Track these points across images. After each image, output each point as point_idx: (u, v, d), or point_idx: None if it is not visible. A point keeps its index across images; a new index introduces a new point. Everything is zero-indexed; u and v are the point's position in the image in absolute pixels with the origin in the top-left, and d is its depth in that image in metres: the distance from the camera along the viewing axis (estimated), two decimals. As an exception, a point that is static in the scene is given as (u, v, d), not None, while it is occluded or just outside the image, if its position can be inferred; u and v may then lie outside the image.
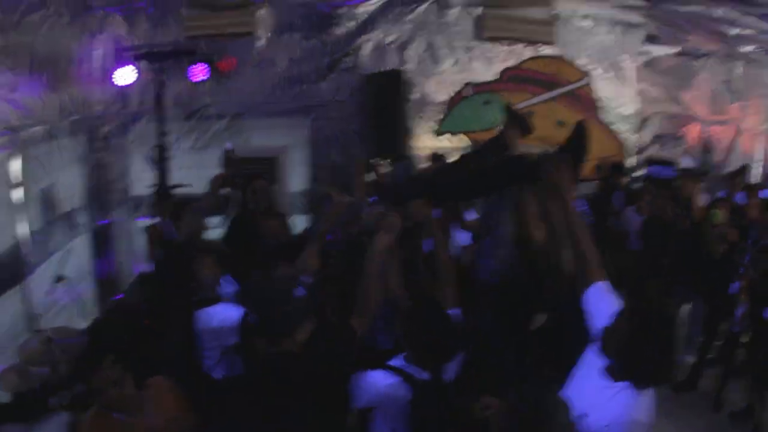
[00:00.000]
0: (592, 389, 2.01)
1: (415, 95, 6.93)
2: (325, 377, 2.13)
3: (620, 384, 1.94)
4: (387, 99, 6.43)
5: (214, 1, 6.88)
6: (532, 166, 2.54)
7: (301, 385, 2.07)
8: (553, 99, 7.20)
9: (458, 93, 7.02)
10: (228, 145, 4.32)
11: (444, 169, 4.07)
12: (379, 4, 6.94)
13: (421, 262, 3.24)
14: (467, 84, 7.02)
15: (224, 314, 2.89)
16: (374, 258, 2.43)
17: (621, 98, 7.40)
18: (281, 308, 2.16)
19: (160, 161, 6.55)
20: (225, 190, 4.19)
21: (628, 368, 1.93)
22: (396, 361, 2.35)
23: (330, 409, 2.16)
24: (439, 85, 7.02)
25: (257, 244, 3.95)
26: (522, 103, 7.10)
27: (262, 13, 6.93)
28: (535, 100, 7.14)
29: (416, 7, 6.98)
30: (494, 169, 2.90)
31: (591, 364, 2.05)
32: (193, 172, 6.82)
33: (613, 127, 7.41)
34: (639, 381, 1.93)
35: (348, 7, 6.93)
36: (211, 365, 2.96)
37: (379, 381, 2.27)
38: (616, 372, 1.96)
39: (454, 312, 2.52)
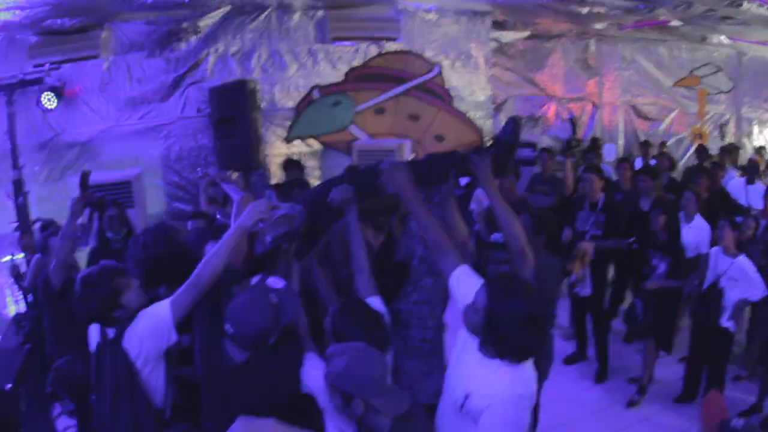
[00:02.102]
0: (471, 368, 2.00)
1: (263, 103, 6.94)
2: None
3: (496, 361, 1.91)
4: (234, 110, 6.41)
5: (58, 27, 6.76)
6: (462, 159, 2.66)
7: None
8: (404, 93, 7.29)
9: (306, 97, 7.04)
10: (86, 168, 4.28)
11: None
12: (220, 15, 6.90)
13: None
14: (314, 87, 7.05)
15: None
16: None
17: (473, 86, 7.54)
18: (262, 323, 2.18)
19: (18, 195, 6.46)
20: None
21: (495, 344, 1.90)
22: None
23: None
24: (286, 92, 7.04)
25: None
26: (371, 100, 7.19)
27: (106, 34, 6.84)
28: (384, 96, 7.22)
29: (258, 15, 6.97)
30: (431, 162, 2.95)
31: (466, 343, 2.05)
32: (51, 204, 6.78)
33: (469, 114, 7.55)
34: (509, 356, 1.89)
35: (189, 21, 6.89)
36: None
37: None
38: (487, 349, 1.94)
39: (374, 299, 2.48)
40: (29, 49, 6.66)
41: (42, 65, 6.68)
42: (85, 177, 3.96)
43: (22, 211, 6.46)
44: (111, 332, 2.42)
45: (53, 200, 6.85)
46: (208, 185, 5.25)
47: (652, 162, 7.96)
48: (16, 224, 6.30)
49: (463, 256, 2.33)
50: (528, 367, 1.96)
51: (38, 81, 6.50)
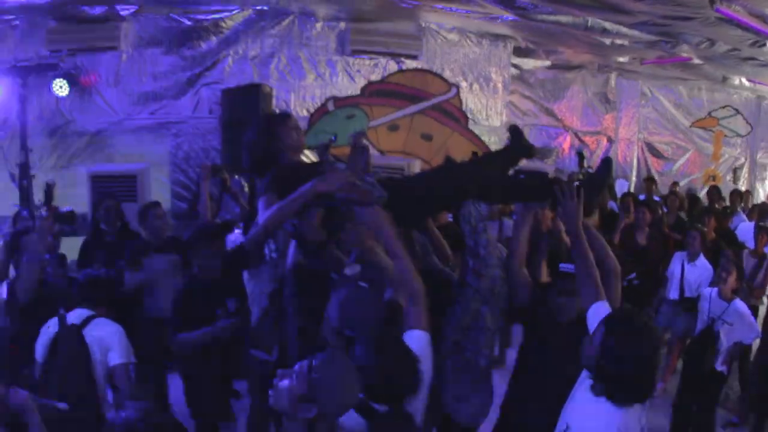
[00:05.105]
0: (580, 403, 2.04)
1: (276, 110, 6.87)
2: None
3: (601, 399, 1.93)
4: (245, 114, 6.33)
5: (79, 14, 6.72)
6: (548, 185, 2.53)
7: None
8: (419, 112, 7.22)
9: (320, 108, 6.98)
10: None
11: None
12: (242, 18, 6.86)
13: None
14: (329, 99, 6.98)
15: None
16: None
17: (489, 110, 7.47)
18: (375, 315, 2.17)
19: (23, 179, 6.40)
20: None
21: (603, 383, 1.93)
22: None
23: None
24: (301, 100, 6.98)
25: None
26: (386, 116, 7.12)
27: (126, 27, 6.80)
28: (399, 113, 7.15)
29: (280, 21, 6.92)
30: (520, 180, 2.89)
31: (585, 378, 2.08)
32: (56, 191, 6.72)
33: (483, 138, 7.47)
34: (616, 396, 1.90)
35: (211, 21, 6.85)
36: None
37: None
38: (596, 387, 1.96)
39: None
40: (47, 33, 6.64)
41: (59, 51, 6.65)
42: (50, 190, 3.76)
43: (25, 194, 6.40)
44: None
45: (58, 187, 6.81)
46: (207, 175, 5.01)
47: (657, 199, 7.84)
48: (17, 207, 6.24)
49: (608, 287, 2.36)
50: (635, 412, 1.93)
51: (53, 66, 6.44)
